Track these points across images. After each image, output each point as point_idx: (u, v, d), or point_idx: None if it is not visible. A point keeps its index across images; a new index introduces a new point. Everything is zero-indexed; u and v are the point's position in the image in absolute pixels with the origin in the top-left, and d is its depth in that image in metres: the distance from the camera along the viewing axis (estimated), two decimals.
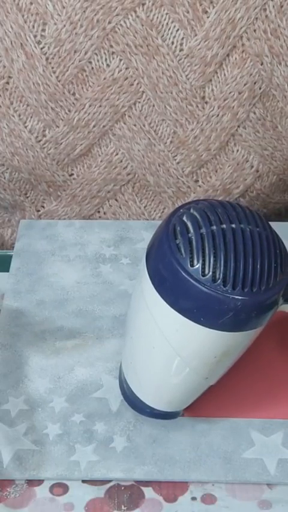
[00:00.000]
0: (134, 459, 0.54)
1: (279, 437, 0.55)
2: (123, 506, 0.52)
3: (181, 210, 0.48)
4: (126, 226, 0.74)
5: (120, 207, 0.73)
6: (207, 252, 0.46)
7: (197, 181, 0.69)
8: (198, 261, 0.46)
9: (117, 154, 0.69)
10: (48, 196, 0.73)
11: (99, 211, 0.74)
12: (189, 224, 0.46)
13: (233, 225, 0.46)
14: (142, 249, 0.71)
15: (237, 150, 0.67)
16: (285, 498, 0.52)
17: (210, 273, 0.45)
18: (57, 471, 0.53)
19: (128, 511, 0.52)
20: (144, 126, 0.66)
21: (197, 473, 0.53)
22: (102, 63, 0.65)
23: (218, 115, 0.66)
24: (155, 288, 0.48)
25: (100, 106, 0.66)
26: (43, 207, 0.74)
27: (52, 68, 0.65)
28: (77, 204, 0.73)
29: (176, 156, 0.67)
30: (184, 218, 0.47)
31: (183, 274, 0.46)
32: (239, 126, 0.66)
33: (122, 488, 0.53)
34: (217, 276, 0.45)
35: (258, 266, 0.46)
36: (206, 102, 0.66)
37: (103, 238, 0.72)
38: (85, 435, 0.55)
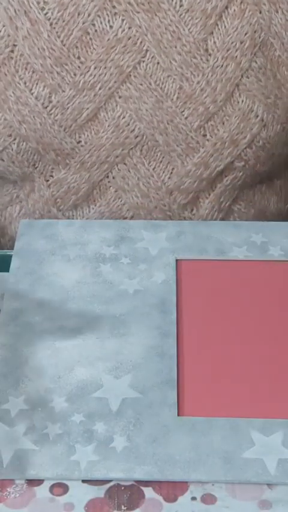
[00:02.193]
0: (134, 459, 0.54)
1: (279, 437, 0.55)
2: (123, 506, 0.52)
3: None
4: (127, 225, 0.74)
5: (129, 171, 0.73)
6: None
7: (205, 135, 0.70)
8: None
9: (124, 117, 0.69)
10: (56, 165, 0.73)
11: (108, 177, 0.74)
12: None
13: None
14: (142, 248, 0.71)
15: (242, 101, 0.69)
16: (285, 498, 0.52)
17: None
18: (57, 471, 0.53)
19: (128, 511, 0.52)
20: (150, 84, 0.67)
21: (197, 473, 0.53)
22: (106, 24, 0.66)
23: (222, 65, 0.67)
24: None
25: (105, 68, 0.67)
26: (52, 176, 0.74)
27: (57, 32, 0.66)
28: (86, 170, 0.73)
29: (183, 111, 0.68)
30: None
31: None
32: (242, 76, 0.68)
33: (122, 488, 0.53)
34: None
35: None
36: (210, 54, 0.67)
37: (103, 237, 0.72)
38: (85, 435, 0.55)
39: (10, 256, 0.71)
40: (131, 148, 0.71)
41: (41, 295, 0.67)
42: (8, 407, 0.57)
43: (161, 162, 0.73)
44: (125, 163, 0.73)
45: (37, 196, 0.75)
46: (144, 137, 0.71)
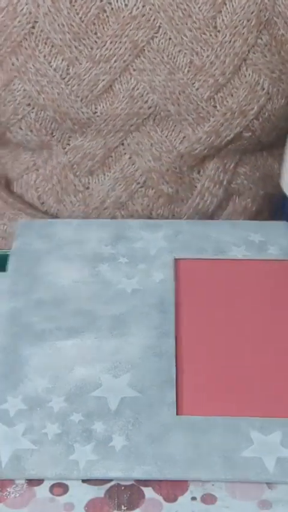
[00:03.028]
0: (134, 458, 0.54)
1: (278, 436, 0.55)
2: (123, 506, 0.52)
3: None
4: (124, 225, 0.74)
5: (143, 138, 0.76)
6: None
7: (215, 106, 0.74)
8: None
9: (138, 89, 0.73)
10: (73, 134, 0.76)
11: (122, 144, 0.77)
12: None
13: None
14: (140, 248, 0.71)
15: (249, 74, 0.73)
16: (285, 498, 0.52)
17: None
18: (56, 471, 0.53)
19: (128, 511, 0.52)
20: (163, 58, 0.71)
21: (197, 472, 0.53)
22: (121, 2, 0.71)
23: (230, 41, 0.72)
24: None
25: (120, 42, 0.71)
26: (69, 144, 0.77)
27: (76, 9, 0.71)
28: (102, 137, 0.76)
29: (194, 82, 0.72)
30: None
31: None
32: (249, 51, 0.72)
33: (122, 488, 0.53)
34: None
35: None
36: (219, 31, 0.72)
37: (101, 237, 0.72)
38: (84, 434, 0.55)
39: (7, 256, 0.71)
40: (145, 118, 0.75)
41: (39, 295, 0.67)
42: (7, 407, 0.57)
43: (173, 130, 0.76)
44: (139, 131, 0.76)
45: (54, 162, 0.78)
46: (157, 107, 0.74)
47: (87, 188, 0.79)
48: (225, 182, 0.80)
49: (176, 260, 0.71)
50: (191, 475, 0.53)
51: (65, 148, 0.77)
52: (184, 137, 0.76)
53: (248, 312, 0.66)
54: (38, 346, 0.62)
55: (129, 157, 0.78)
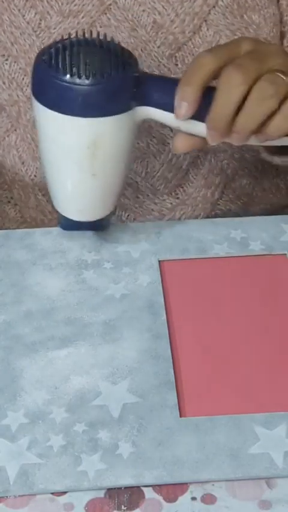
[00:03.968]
0: (142, 464, 0.54)
1: (283, 430, 0.56)
2: (123, 506, 0.52)
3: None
4: (106, 229, 0.73)
5: None
6: (60, 55, 0.60)
7: (176, 64, 0.76)
8: (54, 63, 0.60)
9: None
10: None
11: None
12: (52, 45, 0.61)
13: (81, 38, 0.61)
14: (123, 252, 0.71)
15: (210, 34, 0.75)
16: (285, 498, 0.52)
17: (62, 68, 0.60)
18: (66, 483, 0.52)
19: (128, 511, 0.52)
20: (127, 16, 0.74)
21: (207, 473, 0.53)
22: None
23: (190, 0, 0.74)
24: (35, 98, 0.62)
25: None
26: None
27: None
28: None
29: (156, 40, 0.75)
30: (48, 45, 0.62)
31: (46, 75, 0.61)
32: (210, 12, 0.74)
33: (122, 488, 0.53)
34: (67, 69, 0.59)
35: (99, 60, 0.60)
36: None
37: (83, 244, 0.72)
38: (90, 444, 0.55)
39: None
40: None
41: (27, 306, 0.66)
42: (8, 422, 0.56)
43: None
44: None
45: (25, 120, 0.79)
46: None
47: None
48: None
49: (161, 262, 0.70)
50: (201, 476, 0.53)
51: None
52: None
53: (237, 307, 0.66)
54: (31, 357, 0.61)
55: None
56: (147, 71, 0.75)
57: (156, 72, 0.76)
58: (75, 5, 0.74)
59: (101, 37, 0.62)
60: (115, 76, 0.60)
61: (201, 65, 0.60)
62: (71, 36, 0.61)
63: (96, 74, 0.59)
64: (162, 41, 0.75)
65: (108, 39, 0.61)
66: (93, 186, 0.65)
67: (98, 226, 0.72)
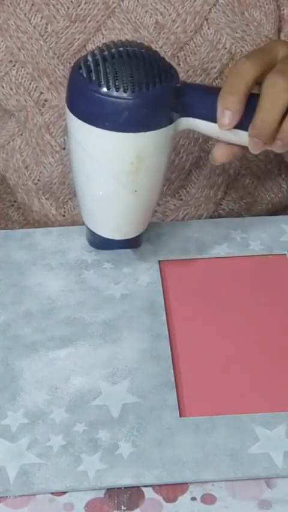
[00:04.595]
0: (142, 464, 0.54)
1: (283, 430, 0.56)
2: (123, 506, 0.52)
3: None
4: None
5: None
6: (100, 68, 0.59)
7: (179, 64, 0.76)
8: (95, 76, 0.59)
9: None
10: (50, 94, 0.78)
11: None
12: (88, 57, 0.60)
13: (120, 49, 0.60)
14: (123, 252, 0.71)
15: (211, 33, 0.75)
16: (285, 498, 0.52)
17: (104, 81, 0.58)
18: (66, 483, 0.52)
19: (128, 511, 0.52)
20: (131, 18, 0.74)
21: (207, 473, 0.53)
22: None
23: (190, 0, 0.74)
24: (73, 113, 0.60)
25: (94, 3, 0.74)
26: (44, 105, 0.79)
27: None
28: None
29: (158, 40, 0.75)
30: (84, 57, 0.61)
31: (85, 89, 0.59)
32: (210, 10, 0.74)
33: (122, 488, 0.53)
34: (109, 83, 0.58)
35: (142, 73, 0.59)
36: None
37: (83, 243, 0.72)
38: (90, 444, 0.55)
39: None
40: None
41: (27, 306, 0.66)
42: (8, 422, 0.56)
43: None
44: None
45: (31, 124, 0.79)
46: None
47: (64, 148, 0.79)
48: (200, 140, 0.80)
49: (161, 262, 0.70)
50: (201, 476, 0.53)
51: (41, 109, 0.79)
52: None
53: (237, 308, 0.66)
54: (31, 358, 0.61)
55: None
56: None
57: None
58: (81, 9, 0.74)
59: (140, 46, 0.61)
60: (158, 88, 0.59)
61: (242, 73, 0.59)
62: (107, 45, 0.60)
63: (140, 86, 0.58)
64: (165, 41, 0.75)
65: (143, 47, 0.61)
66: (133, 202, 0.63)
67: (132, 244, 0.69)
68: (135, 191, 0.62)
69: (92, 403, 0.58)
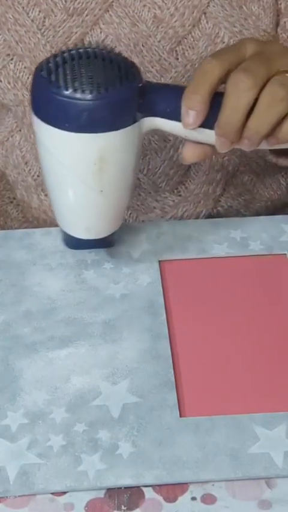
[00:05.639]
0: (142, 464, 0.54)
1: (283, 430, 0.56)
2: (123, 506, 0.52)
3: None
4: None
5: None
6: (61, 70, 0.59)
7: (177, 58, 0.76)
8: (55, 78, 0.58)
9: (106, 41, 0.76)
10: None
11: None
12: (50, 58, 0.60)
13: (80, 50, 0.59)
14: (123, 252, 0.71)
15: (209, 27, 0.75)
16: (285, 498, 0.52)
17: (64, 83, 0.58)
18: (66, 483, 0.53)
19: (128, 511, 0.52)
20: (129, 12, 0.74)
21: (207, 473, 0.53)
22: None
23: None
24: (36, 115, 0.60)
25: None
26: None
27: None
28: None
29: (156, 34, 0.75)
30: (46, 59, 0.61)
31: (46, 91, 0.59)
32: (208, 4, 0.74)
33: (122, 488, 0.53)
34: (69, 85, 0.58)
35: (102, 74, 0.58)
36: None
37: None
38: (90, 444, 0.55)
39: None
40: None
41: (27, 306, 0.66)
42: (8, 422, 0.56)
43: None
44: None
45: (29, 120, 0.79)
46: None
47: None
48: None
49: (161, 262, 0.70)
50: (201, 476, 0.53)
51: None
52: None
53: (237, 307, 0.66)
54: (31, 358, 0.61)
55: None
56: (148, 66, 0.76)
57: (157, 67, 0.76)
58: (79, 3, 0.74)
59: (101, 47, 0.60)
60: (119, 88, 0.58)
61: (207, 71, 0.59)
62: (69, 48, 0.60)
63: (99, 88, 0.58)
64: (163, 35, 0.75)
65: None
66: (101, 202, 0.63)
67: (105, 243, 0.70)
68: (101, 191, 0.62)
69: (92, 403, 0.58)
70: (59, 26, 0.75)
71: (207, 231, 0.73)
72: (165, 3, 0.74)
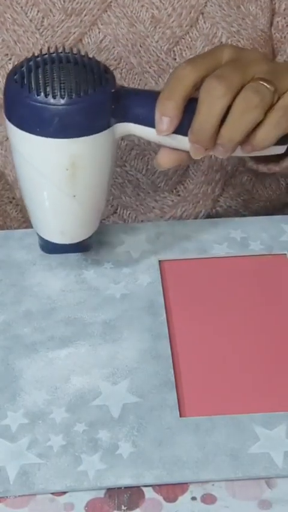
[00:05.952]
0: (142, 464, 0.54)
1: (282, 430, 0.56)
2: (123, 506, 0.52)
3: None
4: (105, 230, 0.73)
5: None
6: (32, 74, 0.58)
7: (175, 59, 0.76)
8: (27, 82, 0.58)
9: (104, 42, 0.76)
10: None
11: None
12: (23, 63, 0.59)
13: (53, 55, 0.59)
14: (123, 252, 0.71)
15: (207, 27, 0.75)
16: (285, 498, 0.52)
17: (35, 88, 0.57)
18: (66, 483, 0.53)
19: (128, 511, 0.52)
20: (127, 12, 0.75)
21: (207, 473, 0.53)
22: None
23: None
24: (8, 120, 0.59)
25: None
26: None
27: None
28: None
29: (154, 35, 0.75)
30: (19, 63, 0.60)
31: (18, 95, 0.58)
32: (206, 5, 0.75)
33: (122, 488, 0.53)
34: (41, 89, 0.57)
35: (74, 79, 0.57)
36: None
37: None
38: (90, 444, 0.55)
39: None
40: (113, 70, 0.75)
41: (27, 306, 0.66)
42: (8, 422, 0.56)
43: (138, 84, 0.78)
44: None
45: None
46: (122, 60, 0.77)
47: None
48: None
49: (161, 262, 0.70)
50: (201, 476, 0.53)
51: None
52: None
53: (237, 307, 0.66)
54: (31, 358, 0.61)
55: None
56: (146, 66, 0.76)
57: (155, 67, 0.76)
58: (77, 3, 0.74)
59: (75, 52, 0.59)
60: (92, 94, 0.57)
61: (181, 78, 0.58)
62: (43, 53, 0.59)
63: (72, 93, 0.57)
64: (160, 36, 0.75)
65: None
66: (74, 207, 0.63)
67: (81, 248, 0.69)
68: (75, 196, 0.61)
69: (92, 403, 0.58)
70: (58, 26, 0.75)
71: (207, 231, 0.73)
72: (163, 4, 0.75)
